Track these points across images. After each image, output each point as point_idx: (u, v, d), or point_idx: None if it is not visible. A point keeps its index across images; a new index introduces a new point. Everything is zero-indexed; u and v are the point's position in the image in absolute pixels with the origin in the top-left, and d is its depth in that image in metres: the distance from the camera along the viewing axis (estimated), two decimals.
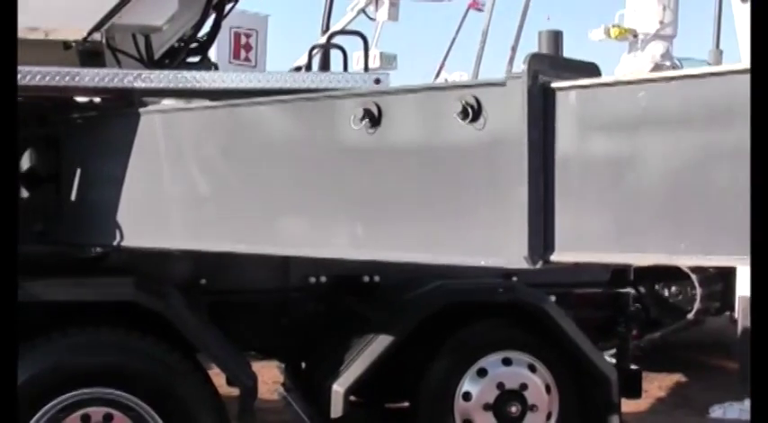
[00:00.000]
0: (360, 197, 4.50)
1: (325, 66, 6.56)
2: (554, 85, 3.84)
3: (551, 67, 3.94)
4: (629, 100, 3.62)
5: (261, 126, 5.02)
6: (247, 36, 12.07)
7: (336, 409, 5.80)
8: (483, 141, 4.01)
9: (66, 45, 5.62)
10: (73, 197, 5.65)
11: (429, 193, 4.25)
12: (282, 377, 7.58)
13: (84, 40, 5.43)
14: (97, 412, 5.36)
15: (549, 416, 6.20)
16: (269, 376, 7.86)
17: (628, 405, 6.47)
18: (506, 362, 6.17)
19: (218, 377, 5.68)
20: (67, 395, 5.28)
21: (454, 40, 13.35)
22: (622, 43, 16.79)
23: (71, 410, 5.33)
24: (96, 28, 5.38)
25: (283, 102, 4.92)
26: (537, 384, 6.17)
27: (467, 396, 6.11)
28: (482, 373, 6.13)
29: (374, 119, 4.36)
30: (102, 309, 5.51)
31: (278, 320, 6.41)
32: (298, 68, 7.56)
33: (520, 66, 3.92)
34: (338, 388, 5.79)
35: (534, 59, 3.86)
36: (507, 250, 3.93)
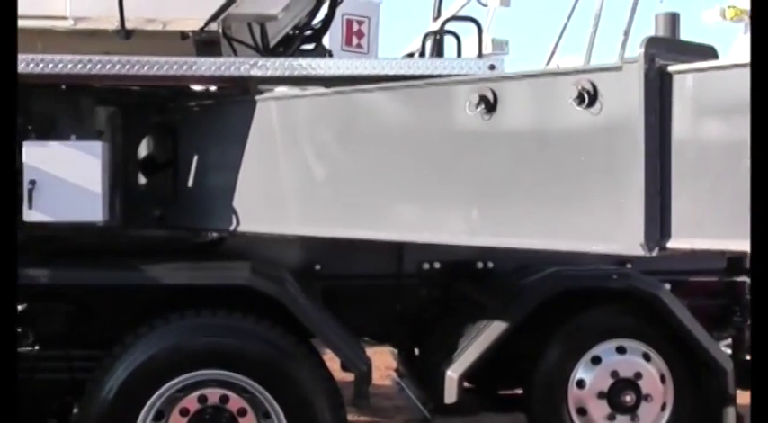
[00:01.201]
0: (475, 183, 4.49)
1: (438, 52, 6.55)
2: (671, 68, 3.78)
3: (668, 51, 3.88)
4: (746, 83, 3.54)
5: (375, 112, 5.05)
6: (359, 23, 12.06)
7: (450, 395, 5.80)
8: (599, 126, 3.98)
9: (183, 35, 5.72)
10: (190, 183, 5.76)
11: (544, 178, 4.23)
12: (396, 363, 7.61)
13: (201, 30, 5.51)
14: (213, 393, 5.46)
15: (663, 406, 6.11)
16: (382, 362, 7.89)
17: (743, 396, 6.35)
18: (620, 350, 6.10)
19: (332, 362, 5.72)
20: (185, 376, 5.38)
21: (566, 24, 13.16)
22: (738, 24, 16.36)
23: (188, 391, 5.44)
24: (213, 18, 5.46)
25: (398, 88, 4.93)
26: (651, 373, 6.08)
27: (581, 384, 6.05)
28: (596, 360, 6.07)
29: (489, 105, 4.36)
30: (219, 293, 5.60)
31: (392, 306, 6.42)
32: (410, 55, 7.56)
33: (632, 50, 3.87)
34: (452, 374, 5.79)
35: (651, 43, 3.81)
36: (623, 237, 3.89)
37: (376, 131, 5.00)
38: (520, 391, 6.42)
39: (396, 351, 7.41)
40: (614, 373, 6.04)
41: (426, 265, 6.44)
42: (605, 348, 6.09)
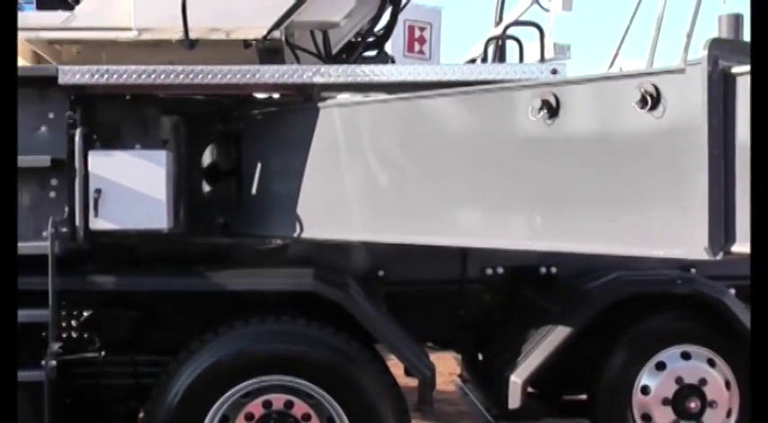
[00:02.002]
0: (538, 188, 4.49)
1: (501, 57, 6.55)
2: (734, 70, 3.75)
3: (731, 52, 3.84)
4: None
5: (438, 118, 5.05)
6: (421, 29, 12.10)
7: (514, 400, 5.77)
8: (662, 130, 3.95)
9: (246, 44, 5.77)
10: (253, 190, 5.80)
11: (607, 183, 4.21)
12: (459, 368, 7.60)
13: (265, 38, 5.56)
14: (278, 399, 5.50)
15: (728, 413, 6.04)
16: (445, 367, 7.89)
17: None
18: (685, 356, 6.04)
19: (395, 368, 5.73)
20: (250, 381, 5.43)
21: (629, 27, 13.10)
22: None
23: (253, 396, 5.50)
24: (276, 26, 5.51)
25: (460, 94, 4.93)
26: (717, 380, 6.01)
27: (645, 390, 6.01)
28: (661, 366, 6.02)
29: (552, 109, 4.35)
30: (283, 299, 5.64)
31: (455, 311, 6.42)
32: (472, 61, 7.56)
33: (695, 52, 3.84)
34: (516, 379, 5.77)
35: (714, 45, 3.78)
36: (687, 241, 3.86)
37: (439, 137, 5.00)
38: (584, 397, 6.39)
39: (459, 356, 7.40)
40: (679, 380, 5.99)
41: (490, 271, 6.43)
42: (670, 354, 6.04)
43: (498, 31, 7.20)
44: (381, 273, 6.28)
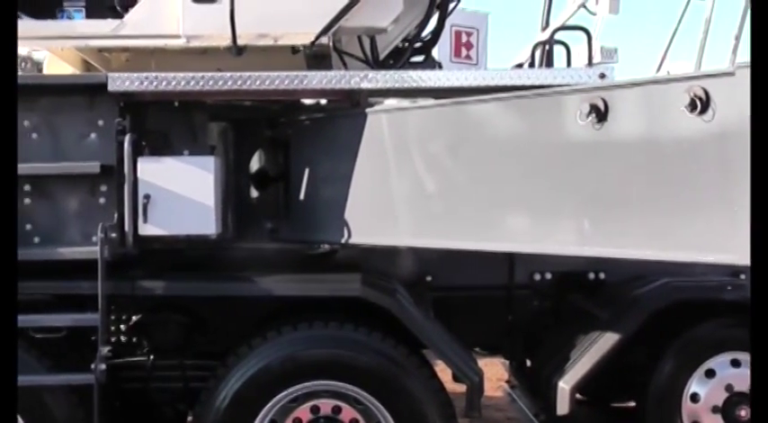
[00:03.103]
0: (587, 193, 4.47)
1: (548, 62, 6.52)
2: None
3: None
4: None
5: (486, 123, 5.04)
6: (468, 34, 12.11)
7: (563, 407, 5.75)
8: (711, 133, 3.92)
9: (293, 50, 5.79)
10: (301, 196, 5.81)
11: (656, 187, 4.18)
12: (507, 374, 7.58)
13: (312, 44, 5.57)
14: (326, 404, 5.53)
15: None
16: (493, 373, 7.87)
17: None
18: (735, 363, 5.99)
19: (443, 373, 5.71)
20: (298, 386, 5.45)
21: (676, 30, 12.99)
22: None
23: (301, 401, 5.53)
24: (324, 32, 5.52)
25: (508, 99, 4.91)
26: None
27: (694, 397, 5.96)
28: (710, 373, 5.97)
29: (601, 114, 4.34)
30: (331, 304, 5.64)
31: (503, 317, 6.41)
32: (519, 65, 7.54)
33: (744, 55, 3.80)
34: (564, 385, 5.74)
35: None
36: (736, 247, 3.83)
37: (486, 142, 4.99)
38: (632, 404, 6.35)
39: (507, 362, 7.39)
40: (729, 387, 5.94)
41: (538, 276, 6.41)
42: (720, 361, 5.99)
43: (545, 35, 7.18)
44: (429, 278, 6.28)
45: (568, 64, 6.51)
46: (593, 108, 4.36)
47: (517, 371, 7.15)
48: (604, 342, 5.84)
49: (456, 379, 5.72)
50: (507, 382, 7.62)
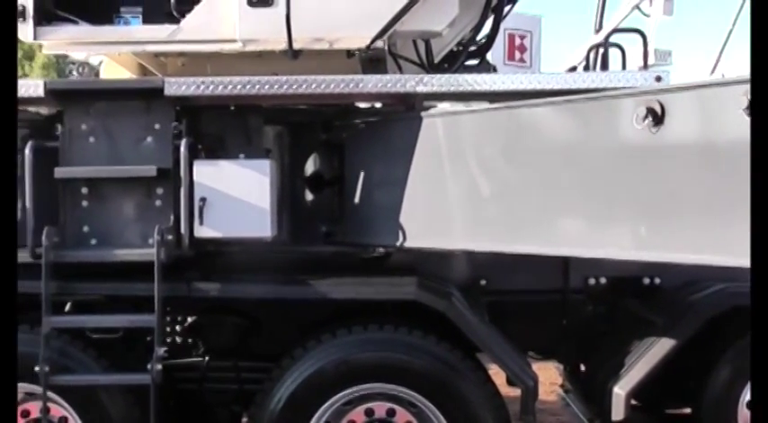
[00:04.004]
0: (643, 197, 4.43)
1: (603, 65, 6.49)
2: None
3: None
4: None
5: (540, 127, 5.02)
6: (521, 37, 12.09)
7: (618, 412, 5.70)
8: None
9: (349, 53, 5.81)
10: (356, 199, 5.83)
11: (714, 191, 4.14)
12: (561, 378, 7.54)
13: (368, 47, 5.58)
14: (380, 407, 5.56)
15: None
16: (547, 377, 7.84)
17: None
18: None
19: (496, 377, 5.70)
20: (352, 389, 5.48)
21: (731, 31, 12.84)
22: None
23: (356, 404, 5.56)
24: (379, 36, 5.53)
25: (564, 102, 4.90)
26: None
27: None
28: None
29: (657, 117, 4.31)
30: (385, 307, 5.66)
31: (557, 321, 6.36)
32: (573, 68, 7.51)
33: None
34: (619, 391, 5.69)
35: None
36: None
37: (541, 146, 4.98)
38: (688, 411, 6.28)
39: (561, 366, 7.35)
40: None
41: (592, 281, 6.37)
42: None
43: (599, 38, 7.14)
44: (483, 282, 6.26)
45: (623, 67, 6.48)
46: (650, 111, 4.33)
47: (571, 375, 7.10)
48: (660, 348, 5.78)
49: (510, 383, 5.72)
50: (561, 386, 7.56)
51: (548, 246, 4.97)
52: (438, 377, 5.41)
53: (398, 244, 5.54)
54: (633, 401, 5.92)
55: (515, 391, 5.64)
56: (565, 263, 6.28)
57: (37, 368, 5.38)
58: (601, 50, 6.60)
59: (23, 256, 5.61)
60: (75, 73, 6.82)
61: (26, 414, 5.77)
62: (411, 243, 5.50)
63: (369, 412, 5.55)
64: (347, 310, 5.73)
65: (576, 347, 6.56)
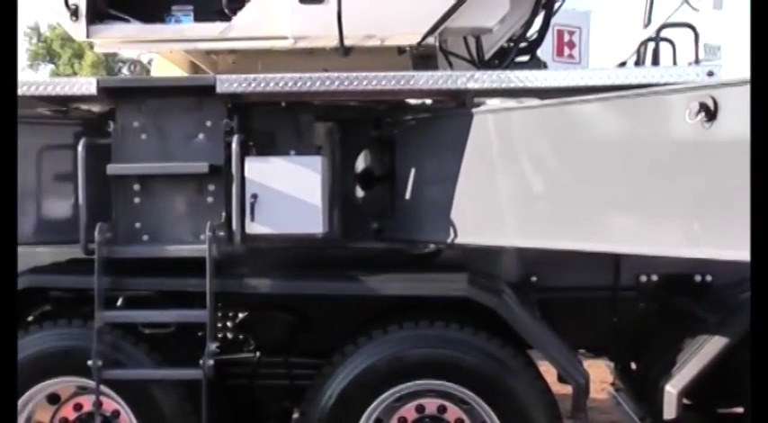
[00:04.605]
0: (695, 193, 4.40)
1: (654, 60, 6.45)
2: None
3: None
4: None
5: (592, 123, 5.01)
6: (570, 33, 12.04)
7: (669, 411, 5.65)
8: None
9: (399, 50, 5.81)
10: (407, 196, 5.83)
11: None
12: (612, 376, 7.49)
13: (419, 44, 5.59)
14: (431, 404, 5.56)
15: None
16: (597, 375, 7.78)
17: None
18: None
19: (547, 374, 5.68)
20: (403, 385, 5.47)
21: None
22: None
23: (407, 400, 5.56)
24: (430, 32, 5.53)
25: (614, 98, 4.87)
26: None
27: None
28: None
29: (710, 112, 4.27)
30: (436, 304, 5.65)
31: (608, 319, 6.32)
32: (622, 64, 7.47)
33: None
34: (671, 389, 5.65)
35: None
36: None
37: (592, 142, 4.96)
38: (740, 410, 6.23)
39: (612, 364, 7.30)
40: None
41: (644, 278, 6.32)
42: None
43: (647, 32, 7.08)
44: (534, 279, 6.24)
45: (674, 62, 6.43)
46: (703, 107, 4.29)
47: (622, 373, 7.05)
48: (711, 346, 5.72)
49: (561, 380, 5.69)
50: (612, 384, 7.50)
51: (599, 242, 4.95)
52: (489, 374, 5.40)
53: (449, 240, 5.54)
54: (685, 400, 5.87)
55: (566, 389, 5.62)
56: (616, 260, 6.25)
57: (90, 362, 5.43)
58: (651, 45, 6.57)
59: (76, 252, 5.71)
60: (126, 71, 6.87)
61: (79, 407, 5.84)
62: (461, 239, 5.50)
63: (420, 409, 5.55)
64: (397, 306, 5.72)
65: (626, 345, 6.52)
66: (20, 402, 5.69)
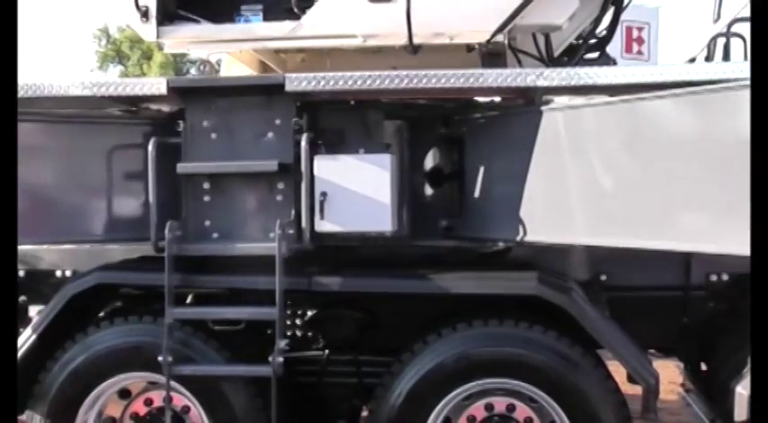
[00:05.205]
0: None
1: (725, 56, 6.37)
2: None
3: None
4: None
5: (662, 120, 4.96)
6: (639, 29, 11.94)
7: (741, 413, 5.56)
8: None
9: (468, 48, 5.80)
10: (476, 194, 5.82)
11: None
12: (681, 377, 7.42)
13: (488, 42, 5.57)
14: (500, 402, 5.56)
15: None
16: (666, 376, 7.70)
17: None
18: None
19: (616, 374, 5.64)
20: (472, 384, 5.47)
21: None
22: None
23: (475, 399, 5.56)
24: (499, 30, 5.52)
25: (685, 94, 4.82)
26: None
27: None
28: None
29: None
30: (505, 302, 5.64)
31: (678, 319, 6.26)
32: (692, 60, 7.40)
33: None
34: (742, 390, 5.56)
35: None
36: None
37: (662, 140, 4.91)
38: None
39: (681, 365, 7.23)
40: None
41: (714, 277, 6.25)
42: None
43: (717, 28, 7.01)
44: (604, 277, 6.19)
45: (745, 57, 6.35)
46: None
47: (692, 374, 6.98)
48: None
49: (631, 380, 5.63)
50: (681, 385, 7.43)
51: (669, 241, 4.91)
52: (558, 373, 5.37)
53: (518, 238, 5.52)
54: None
55: (635, 389, 5.58)
56: (686, 259, 6.18)
57: (160, 358, 5.49)
58: (722, 41, 6.50)
59: (146, 250, 5.77)
60: (195, 71, 6.93)
61: (149, 402, 5.91)
62: (531, 237, 5.48)
63: (489, 407, 5.54)
64: (466, 304, 5.71)
65: (696, 345, 6.45)
66: (91, 397, 5.77)
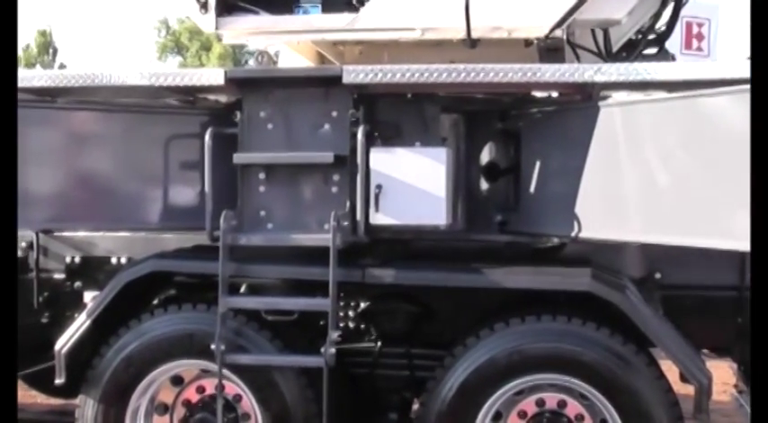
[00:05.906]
0: None
1: None
2: None
3: None
4: None
5: (720, 117, 4.91)
6: (699, 25, 11.80)
7: None
8: None
9: (526, 42, 5.78)
10: (531, 189, 5.80)
11: None
12: (735, 378, 7.35)
13: (546, 36, 5.55)
14: (552, 398, 5.54)
15: None
16: (719, 377, 7.63)
17: None
18: None
19: (668, 373, 5.60)
20: (524, 379, 5.46)
21: None
22: None
23: (527, 394, 5.55)
24: (558, 25, 5.50)
25: (743, 91, 4.77)
26: None
27: None
28: None
29: None
30: (558, 298, 5.62)
31: (732, 319, 6.18)
32: None
33: None
34: None
35: None
36: None
37: (720, 137, 4.87)
38: None
39: (735, 366, 7.16)
40: None
41: None
42: None
43: None
44: (658, 275, 6.14)
45: None
46: None
47: (746, 375, 6.92)
48: None
49: (683, 380, 5.59)
50: (735, 386, 7.36)
51: (725, 240, 4.86)
52: (610, 370, 5.34)
53: (573, 234, 5.50)
54: None
55: (687, 389, 5.53)
56: (741, 258, 6.12)
57: (213, 346, 5.53)
58: None
59: (201, 239, 5.81)
60: (253, 62, 6.97)
61: (201, 390, 5.96)
62: (586, 234, 5.45)
63: (540, 403, 5.54)
64: (519, 299, 5.70)
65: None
66: (144, 383, 5.84)
